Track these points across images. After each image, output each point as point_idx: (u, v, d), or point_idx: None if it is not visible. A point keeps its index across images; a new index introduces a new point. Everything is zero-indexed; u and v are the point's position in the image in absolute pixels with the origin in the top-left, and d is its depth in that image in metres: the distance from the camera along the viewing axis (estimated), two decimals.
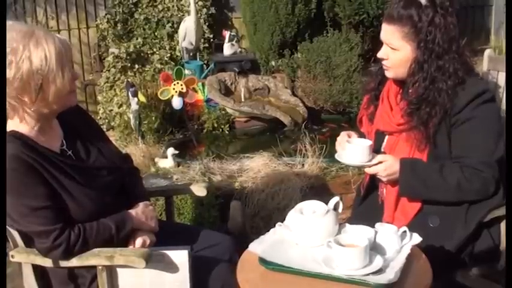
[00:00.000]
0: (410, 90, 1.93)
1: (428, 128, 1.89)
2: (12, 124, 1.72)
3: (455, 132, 1.89)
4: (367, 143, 1.95)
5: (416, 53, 1.88)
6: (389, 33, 1.91)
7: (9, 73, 1.61)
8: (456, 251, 1.89)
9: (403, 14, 1.87)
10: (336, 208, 1.71)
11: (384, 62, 1.97)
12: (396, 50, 1.91)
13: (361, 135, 2.12)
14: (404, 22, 1.87)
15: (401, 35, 1.89)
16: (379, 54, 1.97)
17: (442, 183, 1.87)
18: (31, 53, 1.62)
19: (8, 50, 1.61)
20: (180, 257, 1.75)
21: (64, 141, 1.82)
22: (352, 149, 1.94)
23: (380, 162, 1.91)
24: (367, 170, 1.96)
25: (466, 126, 1.86)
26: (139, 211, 1.88)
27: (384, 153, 2.00)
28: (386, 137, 2.04)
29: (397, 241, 1.65)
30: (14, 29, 1.65)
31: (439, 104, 1.87)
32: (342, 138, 2.03)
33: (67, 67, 1.68)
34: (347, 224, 1.74)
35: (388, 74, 1.99)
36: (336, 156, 1.99)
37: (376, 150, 1.97)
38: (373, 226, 1.70)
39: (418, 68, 1.88)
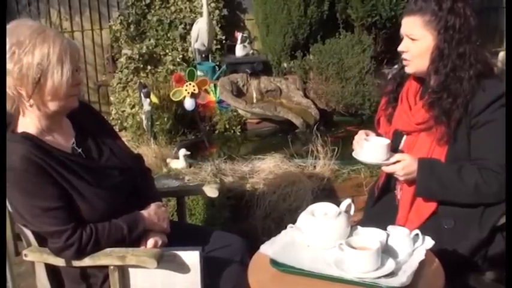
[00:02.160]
0: (431, 80, 1.93)
1: (451, 121, 1.88)
2: (23, 125, 1.74)
3: (475, 134, 1.88)
4: (385, 141, 1.94)
5: (437, 40, 1.90)
6: (411, 23, 1.93)
7: (10, 64, 1.63)
8: (470, 255, 1.88)
9: (422, 4, 1.91)
10: (347, 210, 1.70)
11: (404, 56, 1.98)
12: (417, 40, 1.92)
13: (378, 135, 2.11)
14: (424, 11, 1.90)
15: (422, 24, 1.91)
16: (400, 48, 1.98)
17: (460, 184, 1.86)
18: (35, 47, 1.64)
19: (14, 41, 1.63)
20: (191, 257, 1.75)
21: (76, 141, 1.83)
22: (370, 147, 1.93)
23: (398, 161, 1.90)
24: (384, 168, 1.96)
25: (486, 129, 1.86)
26: (151, 212, 1.88)
27: (402, 152, 1.99)
28: (405, 137, 2.04)
29: (409, 244, 1.64)
30: (25, 25, 1.68)
31: (461, 95, 1.87)
32: (360, 136, 2.02)
33: (67, 67, 1.67)
34: (359, 227, 1.73)
35: (409, 68, 1.99)
36: (354, 154, 1.98)
37: (394, 150, 1.96)
38: (385, 228, 1.69)
39: (439, 55, 1.89)
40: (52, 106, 1.71)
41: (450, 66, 1.88)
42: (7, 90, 1.67)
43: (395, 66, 3.78)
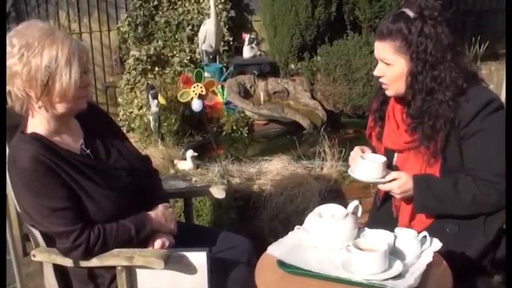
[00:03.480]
0: (410, 105, 1.90)
1: (436, 143, 1.86)
2: (32, 126, 1.75)
3: (466, 145, 1.85)
4: (382, 159, 1.92)
5: (410, 65, 1.85)
6: (382, 49, 1.89)
7: (19, 66, 1.64)
8: (477, 258, 1.86)
9: (392, 28, 1.85)
10: (355, 212, 1.70)
11: (381, 80, 1.95)
12: (391, 65, 1.88)
13: (375, 150, 2.10)
14: (394, 36, 1.85)
15: (393, 50, 1.86)
16: (375, 72, 1.95)
17: (457, 198, 1.84)
18: (44, 49, 1.65)
19: (23, 43, 1.64)
20: (198, 258, 1.76)
21: (84, 142, 1.84)
22: (366, 165, 1.91)
23: (394, 179, 1.89)
24: (380, 186, 1.94)
25: (476, 139, 1.83)
26: (158, 213, 1.89)
27: (397, 168, 1.98)
28: (396, 154, 2.02)
29: (416, 246, 1.64)
30: (36, 26, 1.69)
31: (442, 116, 1.83)
32: (356, 153, 2.00)
33: (76, 70, 1.68)
34: (366, 228, 1.73)
35: (388, 92, 1.96)
36: (349, 171, 1.97)
37: (388, 166, 1.94)
38: (391, 230, 1.69)
39: (414, 80, 1.85)
40: (60, 108, 1.72)
41: (426, 90, 1.84)
42: (16, 91, 1.68)
43: None
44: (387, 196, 2.08)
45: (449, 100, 1.83)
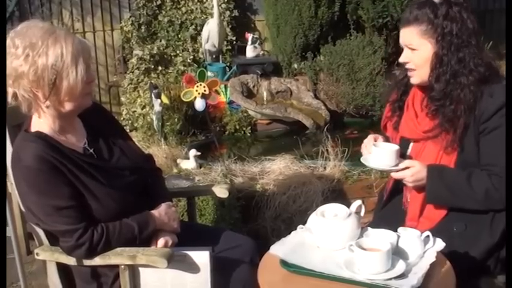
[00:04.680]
0: (433, 88, 1.91)
1: (456, 129, 1.87)
2: (36, 124, 1.75)
3: (484, 140, 1.86)
4: (394, 147, 1.93)
5: (436, 48, 1.88)
6: (408, 34, 1.92)
7: (25, 66, 1.64)
8: (481, 258, 1.86)
9: (418, 13, 1.89)
10: (358, 212, 1.70)
11: (407, 66, 1.96)
12: (416, 50, 1.91)
13: (387, 139, 2.10)
14: (420, 21, 1.88)
15: (419, 34, 1.89)
16: (401, 59, 1.97)
17: (470, 191, 1.84)
18: (48, 48, 1.64)
19: (27, 43, 1.64)
20: (201, 257, 1.76)
21: (87, 141, 1.85)
22: (379, 153, 1.92)
23: (407, 168, 1.89)
24: (393, 174, 1.95)
25: (495, 136, 1.84)
26: (162, 212, 1.89)
27: (411, 158, 1.98)
28: (412, 143, 2.02)
29: (420, 246, 1.64)
30: (36, 26, 1.68)
31: (463, 101, 1.85)
32: (369, 141, 2.01)
33: (82, 66, 1.68)
34: (369, 228, 1.73)
35: (413, 79, 1.97)
36: (362, 159, 1.98)
37: (401, 156, 1.95)
38: (395, 230, 1.69)
39: (438, 62, 1.88)
40: (68, 106, 1.73)
41: (450, 72, 1.87)
42: (22, 92, 1.67)
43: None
44: (396, 190, 2.08)
45: (471, 85, 1.85)
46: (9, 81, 1.68)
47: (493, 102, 1.83)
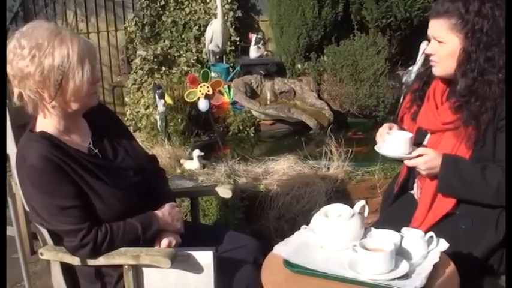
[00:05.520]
0: (459, 84, 1.90)
1: (480, 125, 1.85)
2: (41, 124, 1.76)
3: (501, 137, 1.84)
4: (408, 134, 1.93)
5: (464, 44, 1.86)
6: (436, 26, 1.90)
7: (31, 67, 1.64)
8: (485, 257, 1.86)
9: (449, 6, 1.87)
10: (361, 212, 1.70)
11: (432, 58, 1.95)
12: (443, 43, 1.90)
13: (402, 129, 2.09)
14: (450, 14, 1.86)
15: (448, 27, 1.87)
16: (427, 50, 1.96)
17: (483, 184, 1.83)
18: (54, 49, 1.65)
19: (33, 44, 1.64)
20: (205, 258, 1.76)
21: (92, 141, 1.85)
22: (392, 141, 1.91)
23: (421, 155, 1.88)
24: (407, 162, 1.94)
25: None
26: (165, 212, 1.90)
27: (426, 147, 1.97)
28: (428, 135, 2.01)
29: (423, 246, 1.64)
30: (42, 27, 1.69)
31: (490, 98, 1.83)
32: (383, 129, 2.00)
33: (87, 67, 1.69)
34: (372, 228, 1.73)
35: (436, 70, 1.96)
36: (376, 147, 1.97)
37: (416, 145, 1.94)
38: (400, 228, 1.69)
39: (466, 58, 1.85)
40: (74, 105, 1.73)
41: (478, 70, 1.84)
42: (28, 92, 1.67)
43: (410, 69, 3.76)
44: (405, 186, 2.06)
45: (499, 83, 1.83)
46: (14, 82, 1.68)
47: None
